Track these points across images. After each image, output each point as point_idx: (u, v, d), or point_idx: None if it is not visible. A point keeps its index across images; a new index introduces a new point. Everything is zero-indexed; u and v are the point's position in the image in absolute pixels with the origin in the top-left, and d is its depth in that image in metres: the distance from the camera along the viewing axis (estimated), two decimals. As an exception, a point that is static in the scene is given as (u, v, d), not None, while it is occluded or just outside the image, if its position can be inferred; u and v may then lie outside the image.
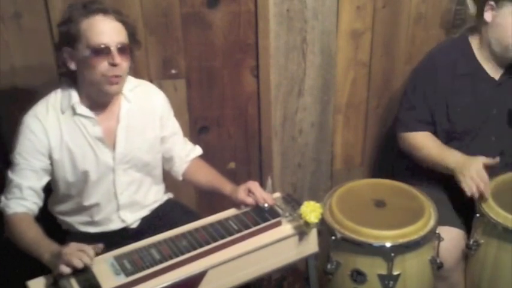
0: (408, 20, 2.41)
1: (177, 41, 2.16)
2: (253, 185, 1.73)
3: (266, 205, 1.69)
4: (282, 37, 2.24)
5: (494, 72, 2.01)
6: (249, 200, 1.71)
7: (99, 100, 1.66)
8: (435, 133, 2.07)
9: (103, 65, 1.56)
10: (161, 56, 2.17)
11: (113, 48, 1.55)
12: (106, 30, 1.55)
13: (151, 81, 2.16)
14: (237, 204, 1.74)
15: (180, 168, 1.91)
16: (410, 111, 2.09)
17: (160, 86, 2.16)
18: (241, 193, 1.72)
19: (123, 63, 1.59)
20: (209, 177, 1.88)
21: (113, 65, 1.56)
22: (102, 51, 1.55)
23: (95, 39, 1.54)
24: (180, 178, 1.93)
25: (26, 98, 1.98)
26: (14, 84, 2.03)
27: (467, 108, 2.01)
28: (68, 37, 1.57)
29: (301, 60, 2.32)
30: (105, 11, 1.56)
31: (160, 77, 2.19)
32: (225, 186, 1.81)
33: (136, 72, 2.08)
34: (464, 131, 2.03)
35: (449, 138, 2.05)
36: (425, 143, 2.04)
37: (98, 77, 1.58)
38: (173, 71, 2.21)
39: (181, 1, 2.11)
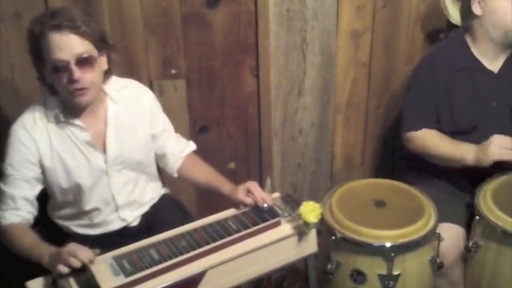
0: (408, 20, 2.41)
1: (177, 41, 2.16)
2: (253, 185, 1.73)
3: (265, 205, 1.69)
4: (282, 37, 2.24)
5: (492, 65, 2.02)
6: (248, 200, 1.71)
7: (79, 107, 1.65)
8: (440, 129, 2.07)
9: (64, 81, 1.54)
10: (161, 56, 2.17)
11: (72, 63, 1.53)
12: (60, 46, 1.52)
13: (151, 81, 2.16)
14: (235, 204, 1.74)
15: (174, 164, 1.90)
16: (415, 110, 2.09)
17: (160, 86, 2.17)
18: (240, 193, 1.72)
19: (86, 75, 1.56)
20: (207, 175, 1.88)
21: (72, 80, 1.54)
22: (61, 68, 1.53)
23: (51, 57, 1.52)
24: (175, 175, 1.92)
25: (25, 98, 1.99)
26: (13, 85, 2.03)
27: (468, 103, 2.02)
28: (35, 53, 1.57)
29: (301, 60, 2.32)
30: (57, 27, 1.51)
31: (160, 77, 2.19)
32: (224, 185, 1.80)
33: (136, 72, 2.09)
34: (467, 126, 2.04)
35: (452, 133, 2.06)
36: (435, 140, 2.04)
37: (63, 92, 1.58)
38: (173, 71, 2.20)
39: (181, 1, 2.11)
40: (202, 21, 2.16)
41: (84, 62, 1.55)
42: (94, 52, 1.58)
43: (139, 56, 2.13)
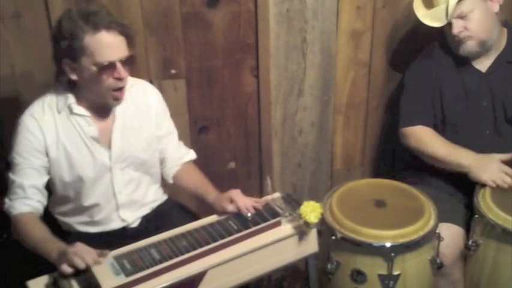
0: (408, 20, 2.41)
1: (177, 41, 2.16)
2: (235, 194, 1.70)
3: (249, 214, 1.67)
4: (282, 37, 2.24)
5: (481, 64, 2.03)
6: (230, 208, 1.68)
7: (99, 104, 1.67)
8: (436, 125, 2.09)
9: (109, 80, 1.57)
10: (161, 56, 2.17)
11: (118, 63, 1.56)
12: (111, 47, 1.54)
13: (151, 81, 2.16)
14: (218, 212, 1.71)
15: (171, 170, 1.89)
16: (412, 105, 2.11)
17: (160, 86, 2.16)
18: (223, 201, 1.70)
19: (127, 74, 1.60)
20: (196, 183, 1.86)
21: (119, 79, 1.58)
22: (109, 68, 1.55)
23: (100, 57, 1.53)
24: (171, 181, 1.91)
25: (26, 98, 1.99)
26: (14, 85, 2.03)
27: (458, 99, 2.04)
28: (69, 51, 1.55)
29: (301, 60, 2.32)
30: (108, 27, 1.54)
31: (160, 77, 2.19)
32: (210, 194, 1.78)
33: (136, 72, 2.08)
34: (457, 123, 2.05)
35: (443, 129, 2.07)
36: (431, 139, 2.05)
37: (104, 91, 1.59)
38: (173, 71, 2.21)
39: (181, 1, 2.11)
40: (202, 21, 2.16)
41: (127, 62, 1.59)
42: (132, 52, 1.63)
43: (139, 56, 2.12)
